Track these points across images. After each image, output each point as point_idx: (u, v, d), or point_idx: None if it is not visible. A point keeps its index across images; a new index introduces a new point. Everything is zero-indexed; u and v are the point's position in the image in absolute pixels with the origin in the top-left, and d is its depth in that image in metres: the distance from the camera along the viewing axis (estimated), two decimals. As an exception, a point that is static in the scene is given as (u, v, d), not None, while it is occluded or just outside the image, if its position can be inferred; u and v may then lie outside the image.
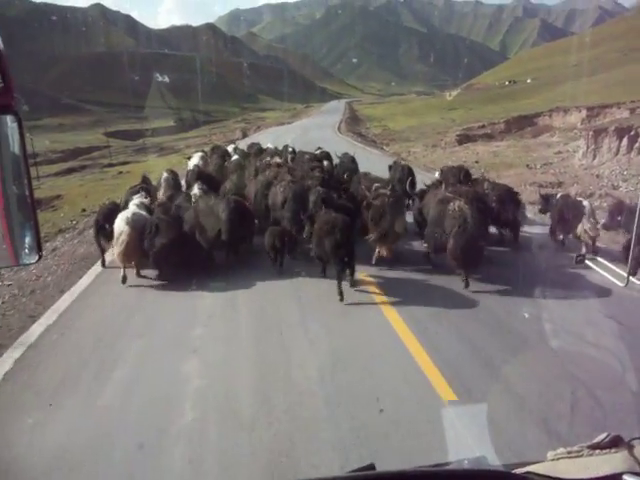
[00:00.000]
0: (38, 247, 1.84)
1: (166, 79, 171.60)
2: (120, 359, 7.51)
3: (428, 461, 2.24)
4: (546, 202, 12.39)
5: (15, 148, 1.73)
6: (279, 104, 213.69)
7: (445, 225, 9.90)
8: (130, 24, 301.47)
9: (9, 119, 1.68)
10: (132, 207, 11.21)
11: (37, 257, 1.86)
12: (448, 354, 7.37)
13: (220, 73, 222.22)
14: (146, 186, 13.50)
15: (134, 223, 10.48)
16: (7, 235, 1.76)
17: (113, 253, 11.13)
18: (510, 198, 12.20)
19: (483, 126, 50.93)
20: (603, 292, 9.41)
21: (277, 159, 16.62)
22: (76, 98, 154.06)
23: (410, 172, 15.15)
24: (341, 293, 9.36)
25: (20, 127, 1.70)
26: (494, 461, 2.09)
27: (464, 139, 44.58)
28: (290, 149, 19.44)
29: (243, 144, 25.97)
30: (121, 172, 35.01)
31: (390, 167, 16.28)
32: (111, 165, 47.19)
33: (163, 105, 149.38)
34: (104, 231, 11.24)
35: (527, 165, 25.59)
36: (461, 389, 6.44)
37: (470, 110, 76.72)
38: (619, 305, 8.86)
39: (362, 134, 54.34)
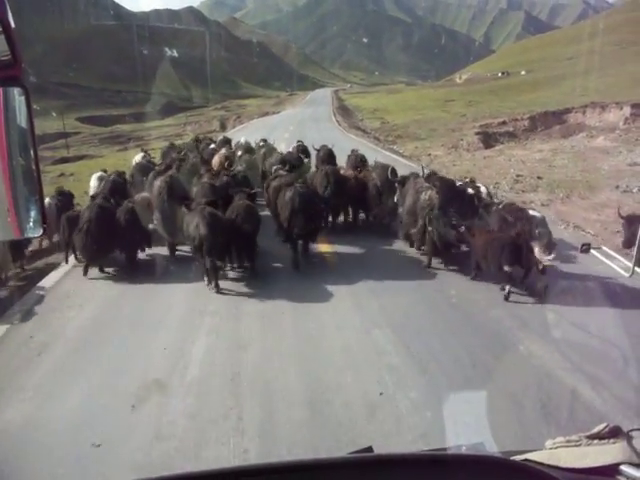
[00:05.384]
0: (43, 220, 1.85)
1: (145, 62, 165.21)
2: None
3: (426, 446, 2.41)
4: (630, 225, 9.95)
5: (22, 121, 1.72)
6: (261, 91, 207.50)
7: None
8: (107, 5, 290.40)
9: (17, 92, 1.68)
10: None
11: (41, 230, 1.87)
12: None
13: (200, 57, 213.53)
14: None
15: None
16: (12, 208, 1.75)
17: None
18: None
19: (504, 123, 43.79)
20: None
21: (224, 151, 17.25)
22: (51, 80, 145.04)
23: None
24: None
25: (27, 100, 1.69)
26: (492, 448, 2.09)
27: (486, 138, 37.50)
28: (261, 143, 19.64)
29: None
30: (63, 174, 27.86)
31: (349, 157, 16.37)
32: (64, 160, 39.83)
33: (140, 89, 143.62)
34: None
35: (617, 187, 18.50)
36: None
37: (470, 103, 69.60)
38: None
39: (361, 128, 47.12)
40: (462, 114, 55.12)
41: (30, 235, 1.91)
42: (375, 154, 19.20)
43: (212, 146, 20.19)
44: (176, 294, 9.92)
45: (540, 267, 9.20)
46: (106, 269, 11.13)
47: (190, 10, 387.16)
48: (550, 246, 9.27)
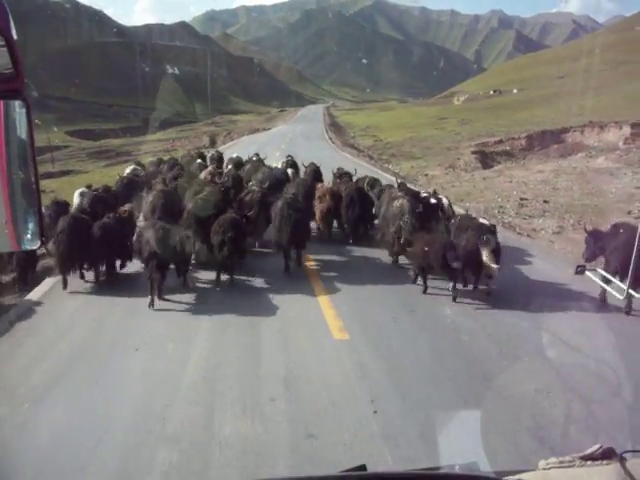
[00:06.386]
0: (41, 233, 1.86)
1: (138, 77, 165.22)
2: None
3: (419, 465, 2.30)
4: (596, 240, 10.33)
5: (22, 134, 1.75)
6: (252, 107, 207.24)
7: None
8: (101, 20, 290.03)
9: (17, 104, 1.70)
10: None
11: (39, 243, 1.88)
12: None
13: (192, 72, 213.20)
14: None
15: None
16: (10, 220, 1.77)
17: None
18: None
19: (500, 141, 42.80)
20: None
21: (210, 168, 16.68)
22: (41, 93, 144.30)
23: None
24: None
25: (28, 113, 1.71)
26: (485, 467, 2.05)
27: (484, 158, 36.45)
28: (254, 157, 19.47)
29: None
30: (44, 190, 26.63)
31: (334, 174, 16.63)
32: (48, 175, 38.35)
33: (132, 104, 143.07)
34: None
35: (629, 212, 17.35)
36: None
37: (464, 121, 68.69)
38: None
39: (354, 146, 46.04)
40: (457, 132, 54.05)
41: (28, 247, 1.88)
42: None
43: (199, 161, 20.00)
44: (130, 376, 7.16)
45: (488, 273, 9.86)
46: (86, 281, 10.86)
47: (183, 25, 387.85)
48: (497, 252, 9.64)
